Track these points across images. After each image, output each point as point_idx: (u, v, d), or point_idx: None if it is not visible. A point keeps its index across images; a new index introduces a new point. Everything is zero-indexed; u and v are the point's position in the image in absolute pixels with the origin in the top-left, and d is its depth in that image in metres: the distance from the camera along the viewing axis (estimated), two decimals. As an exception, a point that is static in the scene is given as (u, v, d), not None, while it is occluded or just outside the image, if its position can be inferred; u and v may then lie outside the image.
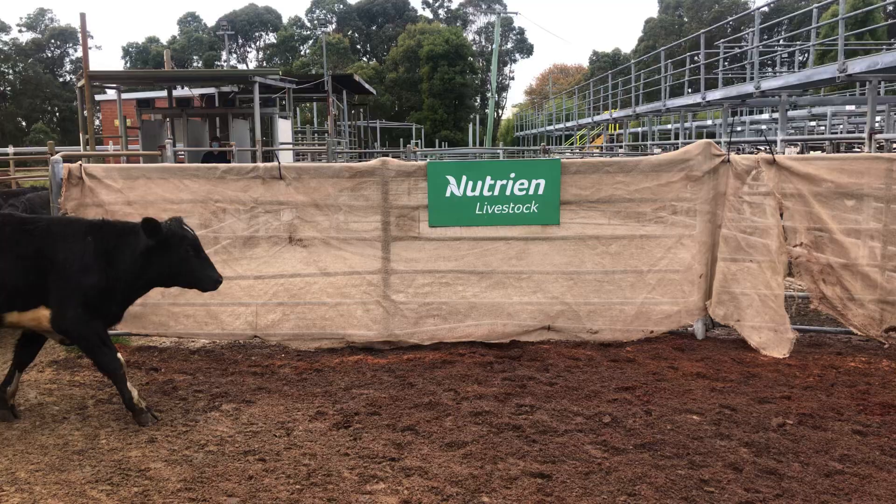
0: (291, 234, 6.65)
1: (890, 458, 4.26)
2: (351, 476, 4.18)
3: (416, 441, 4.66)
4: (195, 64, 71.03)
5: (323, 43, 30.36)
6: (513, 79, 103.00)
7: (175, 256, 5.05)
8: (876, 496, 3.82)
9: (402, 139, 38.24)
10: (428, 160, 8.80)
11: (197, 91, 21.33)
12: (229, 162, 12.57)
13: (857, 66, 10.80)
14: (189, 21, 79.05)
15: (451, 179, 6.70)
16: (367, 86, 26.07)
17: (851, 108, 17.63)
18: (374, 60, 72.24)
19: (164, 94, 21.09)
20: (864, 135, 7.89)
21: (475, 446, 4.54)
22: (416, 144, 28.05)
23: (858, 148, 13.88)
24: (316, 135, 27.07)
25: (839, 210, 6.39)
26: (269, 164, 6.79)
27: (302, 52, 73.84)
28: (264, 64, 73.17)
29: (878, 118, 16.92)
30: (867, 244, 6.44)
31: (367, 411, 5.17)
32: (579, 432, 4.72)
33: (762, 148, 8.48)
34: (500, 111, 72.55)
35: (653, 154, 14.80)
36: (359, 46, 75.53)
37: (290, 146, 19.12)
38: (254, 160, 14.54)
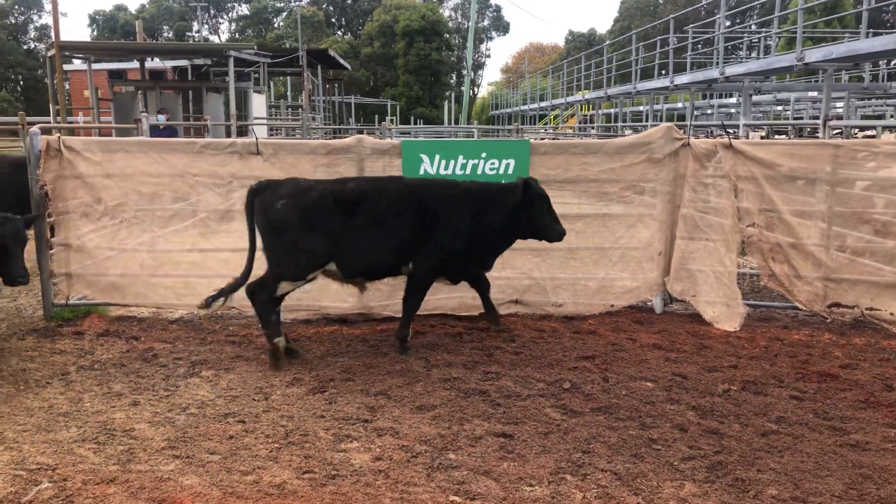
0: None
1: (822, 421, 4.67)
2: (326, 436, 4.46)
3: (388, 405, 4.95)
4: (165, 34, 69.52)
5: (297, 16, 30.07)
6: (489, 56, 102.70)
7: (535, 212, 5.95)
8: (806, 453, 4.22)
9: (377, 115, 38.15)
10: (402, 138, 9.00)
11: (170, 63, 21.10)
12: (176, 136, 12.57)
13: (814, 55, 11.23)
14: (159, -11, 77.04)
15: (425, 158, 6.93)
16: (341, 61, 25.98)
17: (814, 94, 18.19)
18: (348, 35, 71.40)
19: (135, 65, 20.82)
20: (820, 121, 8.28)
21: (443, 409, 4.85)
22: (392, 121, 28.06)
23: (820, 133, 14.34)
24: (290, 109, 26.94)
25: (790, 192, 6.77)
26: (246, 140, 6.96)
27: (276, 25, 72.63)
28: (237, 36, 71.87)
29: (838, 104, 17.50)
30: (817, 225, 6.85)
31: (342, 377, 5.45)
32: (541, 397, 5.06)
33: (730, 132, 8.84)
34: (475, 89, 72.40)
35: (623, 136, 15.16)
36: (333, 20, 74.50)
37: (265, 121, 19.09)
38: (228, 135, 14.56)
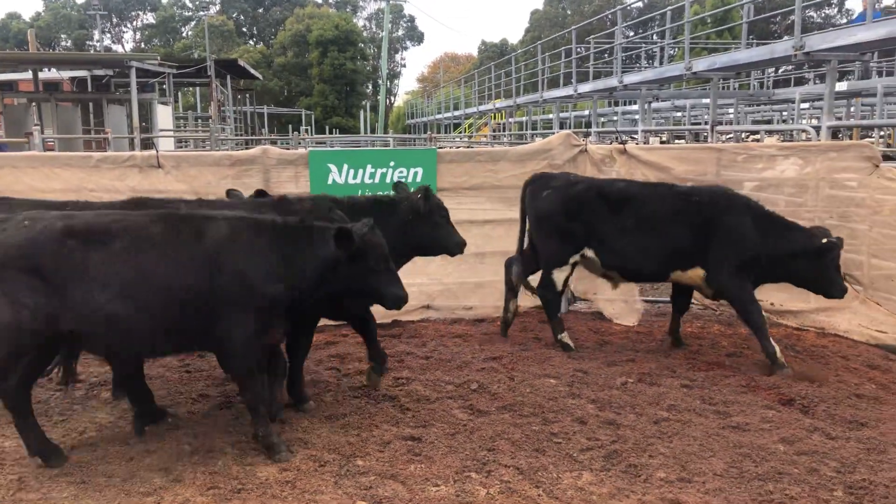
0: (171, 222, 6.67)
1: (708, 406, 5.00)
2: (232, 451, 4.40)
3: (297, 416, 4.94)
4: (63, 44, 66.12)
5: (205, 25, 29.32)
6: (404, 66, 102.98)
7: None
8: (693, 437, 4.51)
9: (291, 125, 37.61)
10: (309, 148, 8.97)
11: (67, 74, 20.11)
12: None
13: (700, 64, 12.04)
14: (56, -4, 73.31)
15: (333, 167, 6.96)
16: (252, 71, 25.54)
17: (707, 100, 19.33)
18: (261, 44, 70.07)
19: (28, 76, 19.74)
20: (708, 126, 8.87)
21: (353, 417, 4.89)
22: (307, 131, 27.75)
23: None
24: (199, 121, 26.20)
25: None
26: (145, 153, 6.78)
27: (184, 34, 70.46)
28: (142, 45, 69.17)
29: (730, 111, 18.67)
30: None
31: (250, 391, 5.38)
32: (449, 399, 5.17)
33: (626, 138, 9.28)
34: (391, 98, 72.52)
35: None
36: (244, 29, 72.98)
37: (171, 133, 18.51)
38: (131, 148, 14.06)
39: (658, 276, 6.29)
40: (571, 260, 6.19)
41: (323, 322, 6.89)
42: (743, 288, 5.78)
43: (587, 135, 7.80)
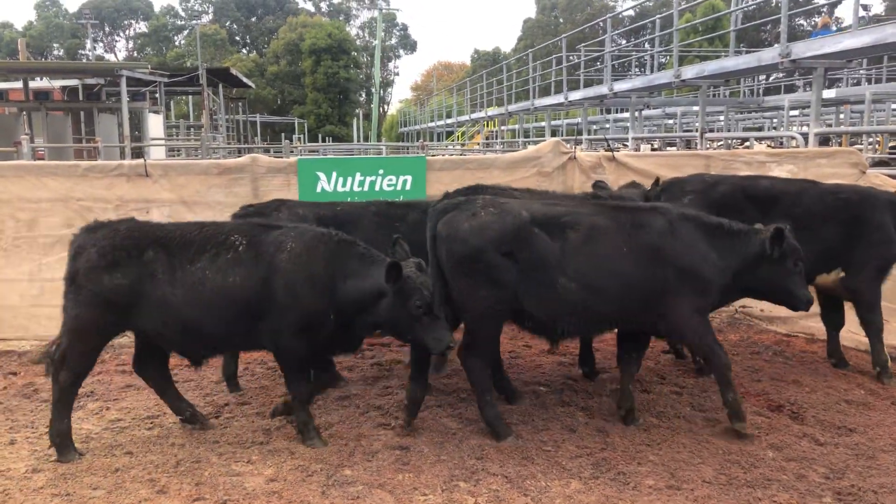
0: (159, 231, 6.64)
1: (697, 412, 4.99)
2: (219, 461, 4.37)
3: (284, 426, 4.90)
4: (55, 52, 66.05)
5: (197, 34, 29.29)
6: (397, 74, 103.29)
7: None
8: (682, 444, 4.50)
9: (284, 134, 37.61)
10: (298, 157, 8.96)
11: (58, 83, 20.06)
12: None
13: (689, 72, 12.11)
14: (48, 5, 73.25)
15: (322, 176, 6.95)
16: (244, 79, 25.54)
17: (697, 108, 19.46)
18: (253, 53, 70.13)
19: (19, 85, 19.69)
20: (698, 134, 8.93)
21: (341, 426, 4.86)
22: (300, 139, 27.76)
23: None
24: (191, 129, 26.17)
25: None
26: (134, 162, 6.76)
27: (177, 43, 70.45)
28: (135, 54, 69.13)
29: (720, 118, 18.78)
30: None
31: (237, 402, 5.35)
32: (438, 407, 5.15)
33: (615, 146, 9.32)
34: (385, 107, 72.64)
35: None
36: (237, 38, 73.05)
37: (163, 142, 18.48)
38: (122, 157, 14.02)
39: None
40: None
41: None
42: (877, 292, 5.60)
43: (578, 142, 7.81)
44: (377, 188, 7.02)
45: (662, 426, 4.77)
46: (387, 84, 74.59)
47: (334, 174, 6.94)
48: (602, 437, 4.62)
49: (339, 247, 4.48)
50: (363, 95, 66.68)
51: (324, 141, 43.19)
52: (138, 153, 15.24)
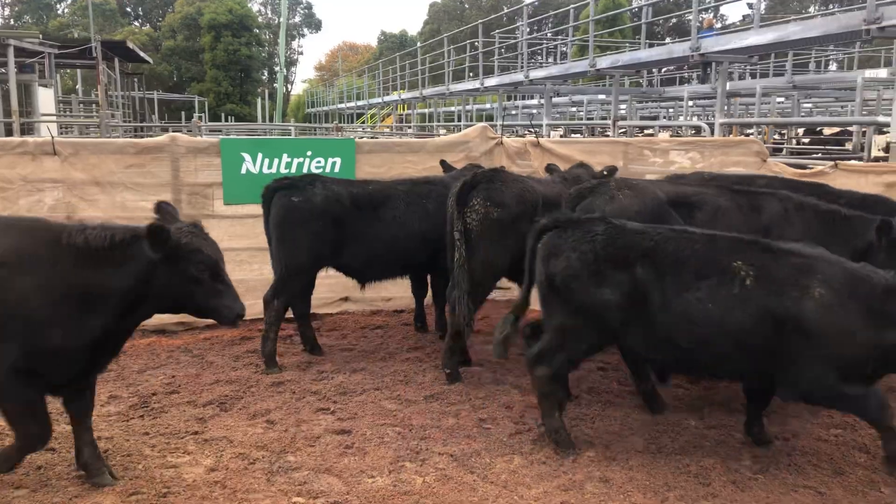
0: (70, 213, 6.23)
1: (624, 387, 5.26)
2: (153, 453, 4.20)
3: (219, 414, 4.77)
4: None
5: (89, 3, 27.26)
6: (301, 53, 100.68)
7: None
8: (613, 417, 4.75)
9: (183, 112, 35.87)
10: (212, 137, 8.62)
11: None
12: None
13: (604, 62, 12.60)
14: None
15: (247, 156, 6.72)
16: (141, 53, 24.07)
17: (602, 97, 20.26)
18: (147, 26, 66.17)
19: None
20: (610, 121, 9.29)
21: (278, 413, 4.78)
22: (200, 118, 26.48)
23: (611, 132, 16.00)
24: (82, 105, 24.42)
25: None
26: (39, 139, 6.30)
27: (59, 12, 65.30)
28: (12, 22, 63.52)
29: (622, 107, 19.62)
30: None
31: (166, 391, 5.15)
32: (376, 390, 5.16)
33: (532, 131, 9.54)
34: (289, 86, 70.60)
35: (438, 135, 15.73)
36: (129, 10, 68.64)
37: (55, 118, 17.16)
38: (9, 133, 12.95)
39: None
40: None
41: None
42: None
43: (534, 129, 7.95)
44: (304, 170, 6.86)
45: (594, 401, 5.00)
46: (291, 63, 72.51)
47: (260, 155, 6.73)
48: (538, 413, 4.78)
49: None
50: (266, 74, 64.45)
51: (226, 120, 41.46)
52: (28, 129, 14.12)
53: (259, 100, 47.72)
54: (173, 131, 9.54)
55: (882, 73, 12.66)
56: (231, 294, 3.80)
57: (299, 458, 4.16)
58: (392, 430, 4.54)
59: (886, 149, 7.57)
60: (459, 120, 22.99)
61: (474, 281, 5.09)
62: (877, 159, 7.60)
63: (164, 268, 3.58)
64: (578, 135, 18.22)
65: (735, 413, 4.83)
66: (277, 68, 53.32)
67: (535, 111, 24.11)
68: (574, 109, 25.04)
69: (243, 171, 6.64)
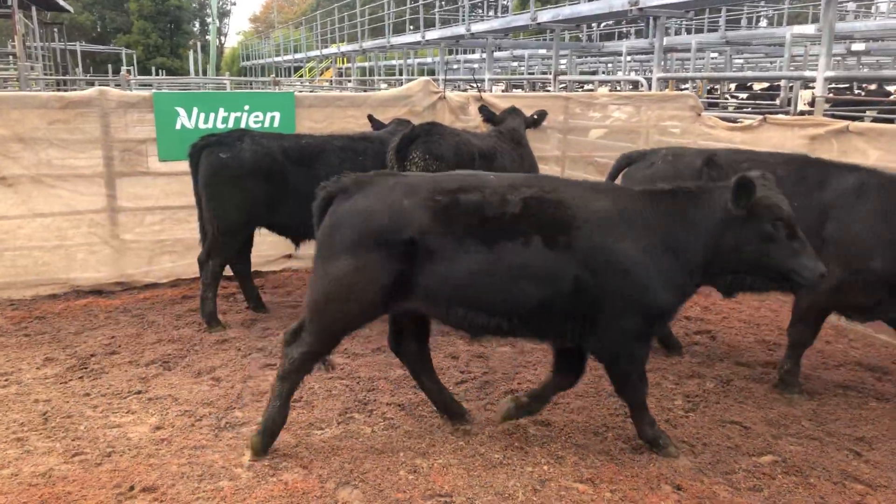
0: (-8, 171, 5.93)
1: (565, 336, 5.44)
2: (95, 414, 4.14)
3: (163, 373, 4.72)
4: None
5: (-3, -55, 25.33)
6: (234, 4, 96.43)
7: None
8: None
9: (109, 66, 34.05)
10: (143, 91, 8.28)
11: None
12: None
13: (545, 16, 12.60)
14: None
15: (181, 111, 6.49)
16: (61, 2, 22.67)
17: (543, 51, 20.29)
18: (65, -29, 62.04)
19: None
20: (551, 76, 9.35)
21: (224, 370, 4.76)
22: (129, 71, 25.23)
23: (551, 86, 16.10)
24: (-2, 57, 22.91)
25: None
26: (-48, 92, 5.90)
27: (-35, -46, 60.44)
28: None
29: (563, 62, 19.75)
30: (553, 170, 7.77)
31: (105, 351, 5.05)
32: (323, 345, 5.17)
33: (474, 85, 9.50)
34: (223, 39, 67.82)
35: (379, 89, 15.49)
36: (44, -47, 64.15)
37: (-34, 70, 16.07)
38: (-83, 86, 12.09)
39: None
40: None
41: (177, 277, 6.63)
42: None
43: (477, 83, 7.88)
44: (242, 125, 6.68)
45: (536, 349, 5.16)
46: (224, 15, 69.52)
47: (195, 110, 6.50)
48: (483, 361, 4.93)
49: None
50: (197, 26, 61.68)
51: (156, 74, 39.64)
52: (-62, 83, 13.20)
53: (191, 53, 45.79)
54: (100, 85, 9.11)
55: (809, 28, 13.07)
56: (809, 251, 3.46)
57: (247, 413, 4.17)
58: (340, 382, 4.59)
59: (812, 103, 7.88)
60: (401, 74, 22.65)
61: None
62: (802, 113, 7.91)
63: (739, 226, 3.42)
64: (520, 90, 18.26)
65: (668, 357, 5.08)
66: (210, 19, 51.06)
67: (476, 66, 23.97)
68: (515, 64, 25.01)
69: (178, 126, 6.42)
